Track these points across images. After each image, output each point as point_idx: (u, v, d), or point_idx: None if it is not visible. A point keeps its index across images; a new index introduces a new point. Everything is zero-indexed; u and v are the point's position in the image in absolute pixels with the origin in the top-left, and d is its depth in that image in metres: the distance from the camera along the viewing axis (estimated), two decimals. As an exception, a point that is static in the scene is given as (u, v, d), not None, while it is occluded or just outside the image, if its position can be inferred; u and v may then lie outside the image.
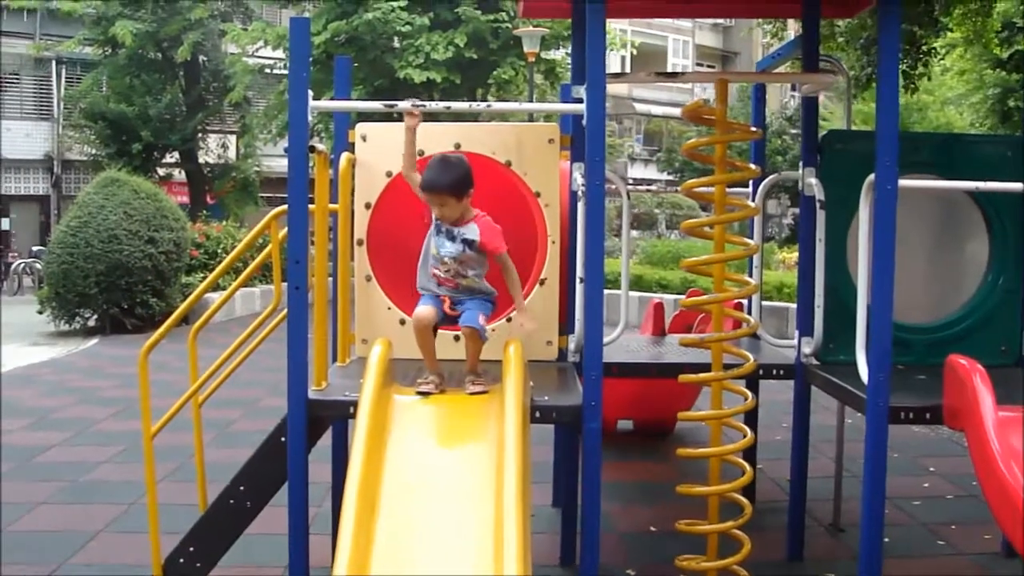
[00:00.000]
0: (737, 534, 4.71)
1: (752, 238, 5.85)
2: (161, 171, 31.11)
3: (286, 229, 4.23)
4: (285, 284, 4.19)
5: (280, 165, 25.00)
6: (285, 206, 4.20)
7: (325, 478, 5.54)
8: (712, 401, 4.83)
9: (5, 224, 33.30)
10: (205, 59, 30.94)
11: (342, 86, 5.57)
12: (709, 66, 51.34)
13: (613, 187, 5.52)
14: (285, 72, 21.77)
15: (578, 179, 4.90)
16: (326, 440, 5.03)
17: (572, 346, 5.01)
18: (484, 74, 23.53)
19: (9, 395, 10.58)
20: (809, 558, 5.61)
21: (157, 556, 4.85)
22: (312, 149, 4.22)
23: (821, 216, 5.22)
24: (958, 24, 15.42)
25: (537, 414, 4.02)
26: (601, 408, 4.02)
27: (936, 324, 5.45)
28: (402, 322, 4.87)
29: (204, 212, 25.53)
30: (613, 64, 41.44)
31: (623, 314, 5.53)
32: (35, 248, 29.71)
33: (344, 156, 4.97)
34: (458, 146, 4.98)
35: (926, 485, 7.17)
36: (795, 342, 5.44)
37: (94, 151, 30.68)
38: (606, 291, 4.32)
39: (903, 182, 4.21)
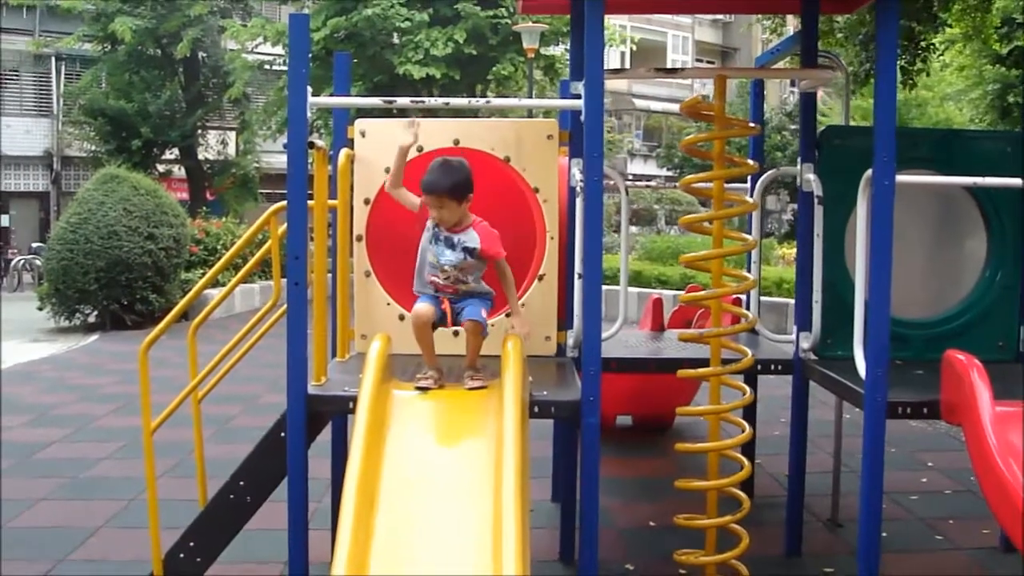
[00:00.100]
0: (735, 529, 4.73)
1: (751, 234, 5.86)
2: (161, 167, 31.06)
3: (285, 225, 4.24)
4: (284, 280, 4.20)
5: (279, 161, 25.04)
6: (284, 202, 4.20)
7: (325, 473, 5.55)
8: (711, 396, 4.85)
9: (5, 221, 33.30)
10: (204, 55, 30.88)
11: (341, 82, 5.57)
12: (709, 62, 51.31)
13: (612, 183, 5.53)
14: (284, 68, 21.78)
15: (577, 175, 4.91)
16: (325, 435, 5.04)
17: (571, 341, 5.02)
18: (483, 70, 23.52)
19: (9, 391, 10.59)
20: (807, 553, 5.62)
21: (157, 551, 4.86)
22: (311, 145, 4.22)
23: (819, 212, 5.23)
24: (957, 20, 15.41)
25: (536, 409, 4.03)
26: (600, 403, 4.02)
27: (934, 319, 5.46)
28: (401, 317, 4.88)
29: (203, 208, 25.52)
30: (613, 60, 41.47)
31: (622, 310, 5.54)
32: (35, 244, 29.73)
33: (343, 152, 4.98)
34: (457, 142, 4.98)
35: (924, 480, 7.18)
36: (793, 337, 5.45)
37: (94, 147, 30.64)
38: (605, 287, 4.33)
39: (901, 178, 4.22)
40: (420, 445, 3.70)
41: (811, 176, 5.27)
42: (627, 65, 43.52)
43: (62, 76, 34.36)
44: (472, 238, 4.11)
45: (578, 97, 4.25)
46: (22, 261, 28.10)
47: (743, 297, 6.08)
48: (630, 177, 36.89)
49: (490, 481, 3.34)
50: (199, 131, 31.20)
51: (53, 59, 34.00)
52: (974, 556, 5.69)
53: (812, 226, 5.26)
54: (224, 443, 7.61)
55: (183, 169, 31.86)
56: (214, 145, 32.55)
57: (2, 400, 9.83)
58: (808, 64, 5.38)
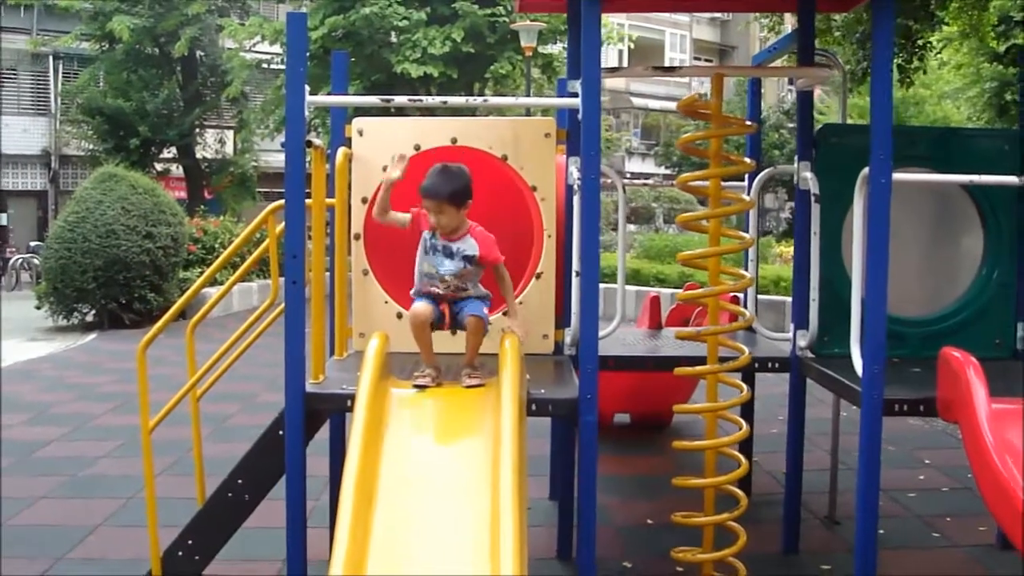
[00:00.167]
0: (733, 526, 4.74)
1: (748, 232, 5.87)
2: (159, 166, 31.05)
3: (283, 224, 4.25)
4: (282, 279, 4.21)
5: (277, 160, 25.06)
6: (282, 201, 4.21)
7: (323, 471, 5.56)
8: (708, 394, 4.86)
9: (3, 219, 33.32)
10: (202, 54, 30.87)
11: (339, 81, 5.58)
12: (706, 60, 51.35)
13: (609, 181, 5.54)
14: (282, 67, 21.82)
15: (574, 173, 4.92)
16: (323, 433, 5.05)
17: (568, 339, 5.03)
18: (481, 68, 23.52)
19: (8, 390, 10.59)
20: (804, 550, 5.63)
21: (156, 549, 4.87)
22: (309, 144, 4.23)
23: (816, 210, 5.24)
24: (954, 18, 15.42)
25: (533, 407, 4.04)
26: (597, 401, 4.04)
27: (931, 317, 5.47)
28: (399, 316, 4.89)
29: (202, 207, 25.50)
30: (610, 58, 41.48)
31: (619, 308, 5.55)
32: (33, 243, 29.76)
33: (341, 151, 4.98)
34: (455, 140, 4.99)
35: (921, 477, 7.19)
36: (790, 335, 5.46)
37: (91, 146, 30.62)
38: (603, 285, 4.34)
39: (897, 176, 4.22)
40: (418, 443, 3.71)
41: (808, 174, 5.29)
42: (625, 63, 43.55)
43: (60, 75, 34.37)
44: (471, 245, 4.12)
45: (575, 95, 4.26)
46: (20, 260, 28.12)
47: (740, 295, 6.09)
48: (628, 175, 36.92)
49: (487, 479, 3.35)
50: (197, 130, 31.19)
51: (51, 58, 34.03)
52: (971, 553, 5.70)
53: (809, 224, 5.27)
54: (222, 441, 7.62)
55: (181, 168, 31.85)
56: (212, 144, 32.54)
57: (1, 399, 9.83)
58: (805, 62, 5.39)
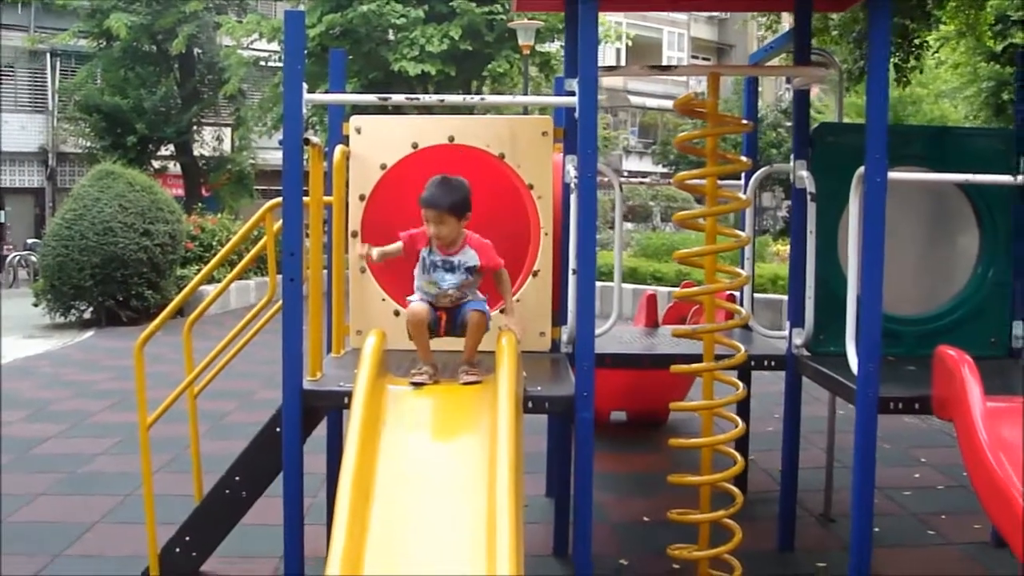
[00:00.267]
0: (729, 523, 4.76)
1: (744, 230, 5.88)
2: (156, 164, 31.06)
3: (281, 221, 4.26)
4: (280, 276, 4.22)
5: (275, 158, 24.92)
6: (280, 199, 4.22)
7: (320, 468, 5.57)
8: (704, 391, 4.88)
9: (0, 217, 33.28)
10: (200, 52, 30.86)
11: (337, 79, 5.59)
12: (704, 58, 51.37)
13: (606, 179, 5.55)
14: (280, 65, 21.73)
15: (571, 171, 4.93)
16: (321, 431, 5.06)
17: (565, 337, 5.04)
18: (479, 66, 23.54)
19: (6, 387, 10.59)
20: (800, 548, 5.65)
21: (153, 546, 4.89)
22: (307, 142, 4.24)
23: (812, 208, 5.25)
24: (951, 17, 15.44)
25: (530, 404, 4.05)
26: (593, 398, 4.05)
27: (926, 316, 5.49)
28: (396, 313, 4.90)
29: (199, 204, 25.55)
30: (608, 57, 41.48)
31: (616, 305, 5.56)
32: (30, 241, 29.74)
33: (338, 148, 4.99)
34: (452, 138, 5.01)
35: (917, 476, 7.21)
36: (786, 333, 5.47)
37: (89, 144, 30.62)
38: (600, 283, 4.35)
39: (893, 175, 4.24)
40: (415, 440, 3.72)
41: (804, 173, 5.30)
42: (623, 61, 43.57)
43: (57, 72, 34.33)
44: (471, 256, 4.14)
45: (572, 94, 4.27)
46: (17, 257, 28.11)
47: (737, 293, 6.11)
48: (625, 174, 36.87)
49: (484, 476, 3.36)
50: (194, 127, 31.20)
51: (48, 55, 33.98)
52: (966, 551, 5.72)
53: (805, 223, 5.28)
54: (220, 439, 7.63)
55: (178, 165, 31.86)
56: (209, 141, 32.54)
57: (1, 396, 9.87)
58: (801, 61, 5.40)
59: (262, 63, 27.77)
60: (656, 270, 17.53)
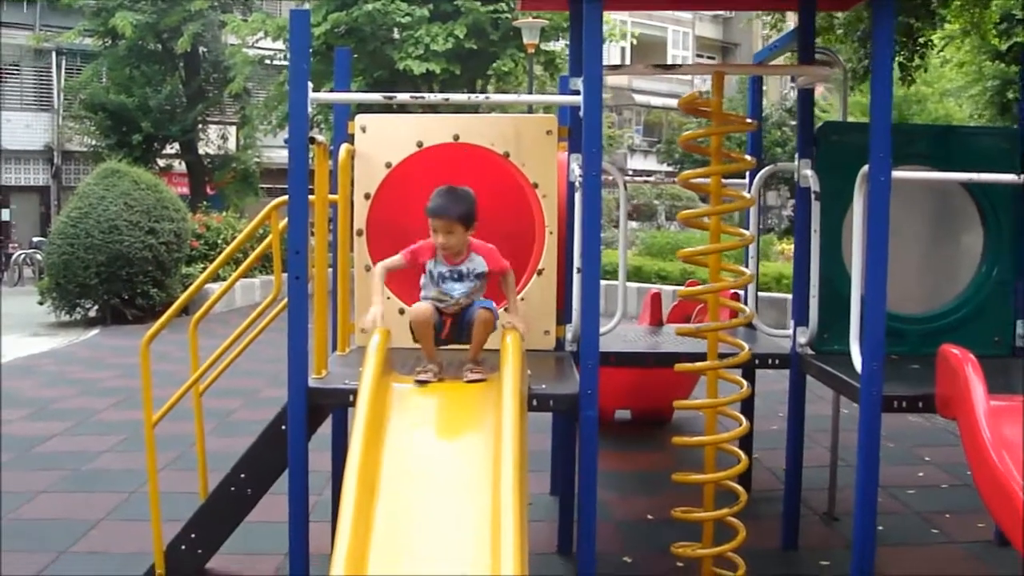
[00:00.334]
0: (732, 522, 4.77)
1: (749, 229, 5.88)
2: (161, 162, 31.13)
3: (286, 220, 4.27)
4: (285, 274, 4.23)
5: (280, 156, 25.04)
6: (285, 197, 4.23)
7: (325, 466, 5.58)
8: (708, 390, 4.88)
9: (5, 215, 33.34)
10: (205, 50, 30.93)
11: (342, 77, 5.60)
12: (709, 57, 51.35)
13: (611, 178, 5.56)
14: (285, 63, 21.80)
15: (576, 170, 4.94)
16: (326, 428, 5.08)
17: (569, 335, 5.05)
18: (484, 65, 23.55)
19: (10, 385, 10.63)
20: (804, 546, 5.65)
21: (159, 544, 4.90)
22: (312, 140, 4.25)
23: (816, 207, 5.25)
24: (956, 16, 15.40)
25: (535, 402, 4.06)
26: (597, 396, 4.05)
27: (930, 314, 5.49)
28: (401, 311, 4.91)
29: (204, 203, 25.55)
30: (613, 55, 41.47)
31: (620, 304, 5.57)
32: (35, 239, 29.80)
33: (344, 147, 5.01)
34: (457, 137, 5.02)
35: (921, 474, 7.21)
36: (790, 332, 5.48)
37: (94, 142, 30.71)
38: (605, 282, 4.35)
39: (897, 174, 4.24)
40: (420, 438, 3.73)
41: (808, 172, 5.30)
42: (628, 60, 43.54)
43: (63, 71, 34.41)
44: (479, 263, 4.17)
45: (577, 93, 4.28)
46: (23, 255, 28.16)
47: (741, 292, 6.11)
48: (630, 172, 36.89)
49: (489, 474, 3.37)
50: (200, 126, 31.25)
51: (54, 54, 34.05)
52: (969, 549, 5.72)
53: (809, 221, 5.28)
54: (224, 436, 7.65)
55: (184, 164, 31.91)
56: (215, 140, 32.62)
57: (2, 394, 9.87)
58: (805, 60, 5.41)
59: (267, 62, 27.82)
60: (661, 269, 17.53)
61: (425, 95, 4.78)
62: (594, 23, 4.06)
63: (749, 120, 5.69)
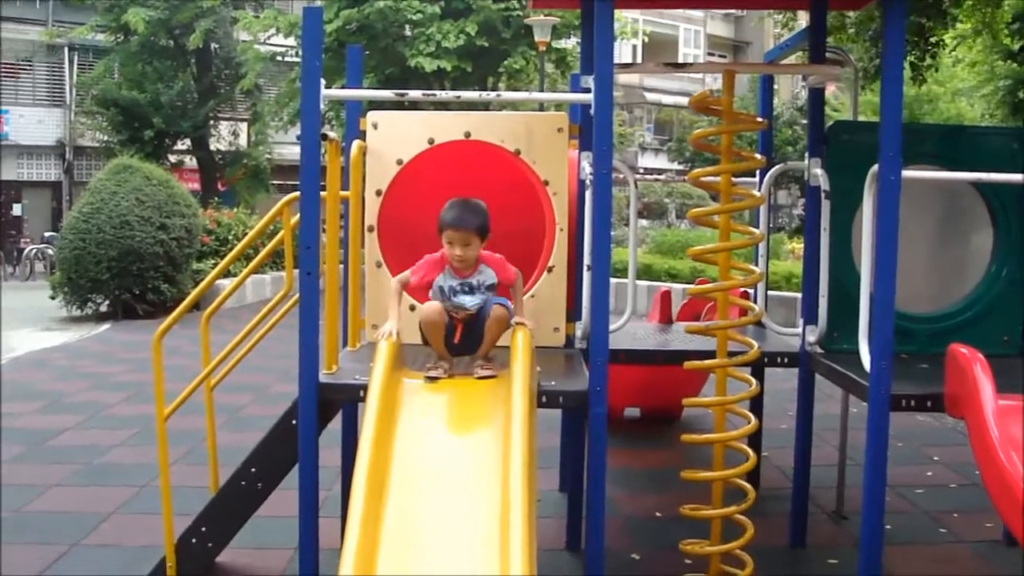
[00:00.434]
0: (740, 519, 4.78)
1: (759, 227, 5.89)
2: (173, 158, 31.21)
3: (298, 216, 4.29)
4: (296, 270, 4.25)
5: (291, 152, 25.12)
6: (297, 193, 4.25)
7: (335, 462, 5.60)
8: (717, 388, 4.90)
9: (18, 210, 33.51)
10: (217, 46, 30.99)
11: (354, 74, 5.61)
12: (720, 55, 51.26)
13: (621, 176, 5.57)
14: (297, 60, 21.85)
15: (586, 168, 4.95)
16: (336, 424, 5.09)
17: (579, 333, 5.06)
18: (495, 63, 23.56)
19: (22, 378, 10.70)
20: (811, 544, 5.67)
21: (169, 537, 4.93)
22: (324, 137, 4.27)
23: (826, 206, 5.26)
24: (968, 16, 15.37)
25: (544, 399, 4.07)
26: (606, 393, 4.06)
27: (939, 314, 5.49)
28: (412, 308, 4.92)
29: (215, 199, 25.62)
30: (624, 53, 41.40)
31: (630, 302, 5.58)
32: (47, 234, 29.90)
33: (355, 144, 5.02)
34: (468, 134, 5.03)
35: (929, 474, 7.21)
36: (800, 331, 5.49)
37: (106, 138, 30.80)
38: (615, 279, 4.36)
39: (906, 173, 4.24)
40: (429, 434, 3.74)
41: (818, 171, 5.30)
42: (639, 58, 43.49)
43: (75, 66, 34.51)
44: (489, 275, 4.19)
45: (588, 91, 4.29)
46: (35, 250, 28.27)
47: (751, 290, 6.12)
48: (641, 170, 36.88)
49: (498, 470, 3.38)
50: (211, 122, 31.33)
51: (66, 49, 34.13)
52: (977, 549, 5.73)
53: (819, 220, 5.29)
54: (235, 431, 7.67)
55: (195, 160, 31.98)
56: (226, 136, 32.68)
57: (16, 387, 9.91)
58: (817, 60, 5.41)
59: (279, 58, 27.85)
60: (671, 267, 17.53)
61: (436, 92, 4.79)
62: (605, 21, 4.07)
63: (760, 119, 5.70)
